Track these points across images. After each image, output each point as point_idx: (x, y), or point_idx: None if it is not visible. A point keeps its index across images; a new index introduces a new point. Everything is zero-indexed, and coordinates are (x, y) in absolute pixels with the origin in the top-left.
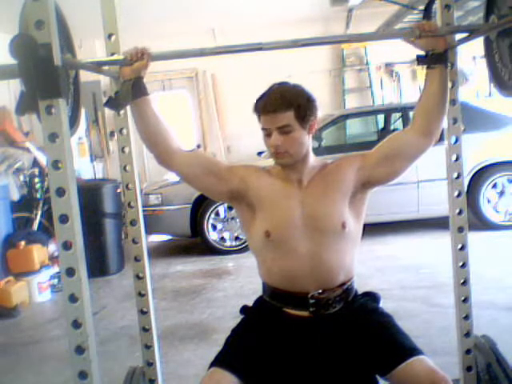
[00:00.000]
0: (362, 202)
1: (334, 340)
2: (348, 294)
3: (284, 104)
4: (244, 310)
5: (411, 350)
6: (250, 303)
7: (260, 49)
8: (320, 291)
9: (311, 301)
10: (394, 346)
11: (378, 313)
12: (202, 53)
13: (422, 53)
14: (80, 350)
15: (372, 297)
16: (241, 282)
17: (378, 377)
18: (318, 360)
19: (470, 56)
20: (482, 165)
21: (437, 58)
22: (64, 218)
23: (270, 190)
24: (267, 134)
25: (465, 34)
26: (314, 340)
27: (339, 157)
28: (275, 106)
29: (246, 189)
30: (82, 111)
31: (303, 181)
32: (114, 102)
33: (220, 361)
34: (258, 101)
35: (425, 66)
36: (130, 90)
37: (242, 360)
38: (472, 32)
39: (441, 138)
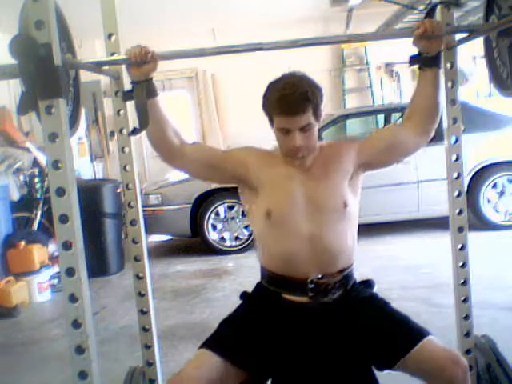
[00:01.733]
0: (358, 182)
1: (332, 327)
2: (347, 281)
3: (306, 104)
4: (243, 295)
5: (418, 332)
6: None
7: (260, 49)
8: (320, 276)
9: (310, 286)
10: (398, 330)
11: (375, 298)
12: (202, 53)
13: (414, 52)
14: (80, 349)
15: (367, 284)
16: (241, 281)
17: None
18: (316, 347)
19: (470, 56)
20: (482, 165)
21: (429, 61)
22: (64, 218)
23: (271, 172)
24: (285, 133)
25: (465, 34)
26: (312, 327)
27: (337, 140)
28: (299, 108)
29: (246, 172)
30: (82, 111)
31: (305, 163)
32: (137, 129)
33: (208, 343)
34: (273, 99)
35: (417, 67)
36: (145, 92)
37: (231, 343)
38: (472, 32)
39: (440, 138)
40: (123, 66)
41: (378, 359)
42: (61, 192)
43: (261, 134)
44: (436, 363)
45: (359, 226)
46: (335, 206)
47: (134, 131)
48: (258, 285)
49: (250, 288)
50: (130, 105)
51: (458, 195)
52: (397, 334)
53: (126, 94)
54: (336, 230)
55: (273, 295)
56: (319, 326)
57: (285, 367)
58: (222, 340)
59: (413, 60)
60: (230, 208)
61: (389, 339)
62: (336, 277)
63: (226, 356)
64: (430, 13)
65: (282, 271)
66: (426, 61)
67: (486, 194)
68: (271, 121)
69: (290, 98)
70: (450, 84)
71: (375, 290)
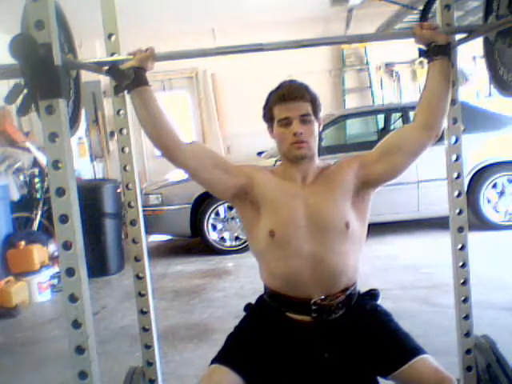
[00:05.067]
0: (365, 202)
1: (335, 344)
2: (350, 300)
3: (305, 93)
4: (248, 308)
5: (414, 350)
6: (253, 302)
7: (261, 49)
8: (322, 297)
9: (313, 307)
10: (396, 346)
11: (377, 312)
12: (203, 53)
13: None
14: (80, 349)
15: (371, 295)
16: (241, 281)
17: (380, 377)
18: (320, 364)
19: (470, 56)
20: (482, 165)
21: (438, 50)
22: (64, 218)
23: (274, 189)
24: (286, 123)
25: (465, 34)
26: (316, 344)
27: (341, 158)
28: (299, 94)
29: (252, 186)
30: (82, 111)
31: (307, 179)
32: (118, 75)
33: (222, 358)
34: (273, 93)
35: (426, 61)
36: (132, 74)
37: (244, 359)
38: (471, 32)
39: (440, 138)
40: None
41: (374, 369)
42: (61, 192)
43: (261, 133)
44: (427, 382)
45: None
46: (337, 227)
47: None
48: (261, 298)
49: (249, 288)
50: (130, 104)
51: (458, 195)
52: (393, 349)
53: (116, 88)
54: (338, 251)
55: (276, 312)
56: (323, 343)
57: (290, 381)
58: (235, 356)
59: (422, 52)
60: (230, 208)
61: (385, 353)
62: (339, 297)
63: (240, 372)
64: (424, 14)
65: (284, 291)
66: (435, 50)
67: (486, 193)
68: (271, 123)
69: (288, 88)
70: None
71: (380, 300)
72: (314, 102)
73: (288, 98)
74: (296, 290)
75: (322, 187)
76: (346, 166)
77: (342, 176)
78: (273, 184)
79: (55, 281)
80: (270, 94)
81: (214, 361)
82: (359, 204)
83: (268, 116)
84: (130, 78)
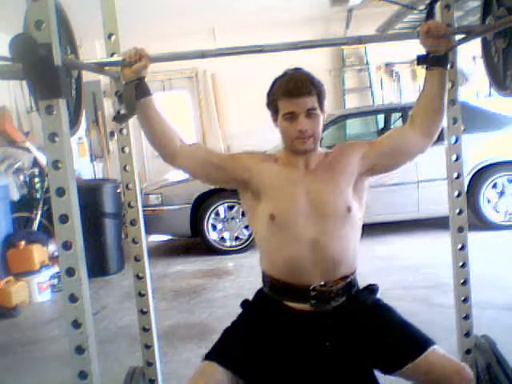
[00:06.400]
0: (362, 188)
1: (337, 334)
2: (350, 289)
3: (312, 88)
4: (244, 303)
5: (424, 342)
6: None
7: (261, 51)
8: (322, 283)
9: (312, 293)
10: (405, 340)
11: (379, 306)
12: (203, 55)
13: (423, 52)
14: (80, 349)
15: (370, 290)
16: (241, 281)
17: (387, 374)
18: (319, 356)
19: (470, 56)
20: (482, 165)
21: (437, 61)
22: (64, 218)
23: (275, 176)
24: (291, 118)
25: (464, 35)
26: (315, 335)
27: (341, 143)
28: (306, 88)
29: (250, 176)
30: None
31: (309, 166)
32: (122, 116)
33: (214, 354)
34: (278, 81)
35: (424, 67)
36: (134, 92)
37: (237, 355)
38: (469, 33)
39: (440, 138)
40: None
41: (384, 362)
42: (61, 192)
43: (261, 133)
44: (443, 373)
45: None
46: (338, 211)
47: (118, 117)
48: (260, 292)
49: (249, 288)
50: None
51: (458, 195)
52: (404, 340)
53: (117, 116)
54: (339, 235)
55: (274, 303)
56: (321, 334)
57: (289, 376)
58: (228, 352)
59: (421, 60)
60: (230, 208)
61: (396, 344)
62: (338, 284)
63: (232, 369)
64: (430, 13)
65: (283, 277)
66: (433, 60)
67: (486, 193)
68: (275, 114)
69: (296, 79)
70: (449, 84)
71: (378, 295)
72: (319, 94)
73: (294, 93)
74: (295, 276)
75: (324, 173)
76: (350, 152)
77: (345, 162)
78: (274, 171)
79: (55, 281)
80: (275, 81)
81: (206, 357)
82: (358, 190)
83: (272, 106)
84: (133, 94)
